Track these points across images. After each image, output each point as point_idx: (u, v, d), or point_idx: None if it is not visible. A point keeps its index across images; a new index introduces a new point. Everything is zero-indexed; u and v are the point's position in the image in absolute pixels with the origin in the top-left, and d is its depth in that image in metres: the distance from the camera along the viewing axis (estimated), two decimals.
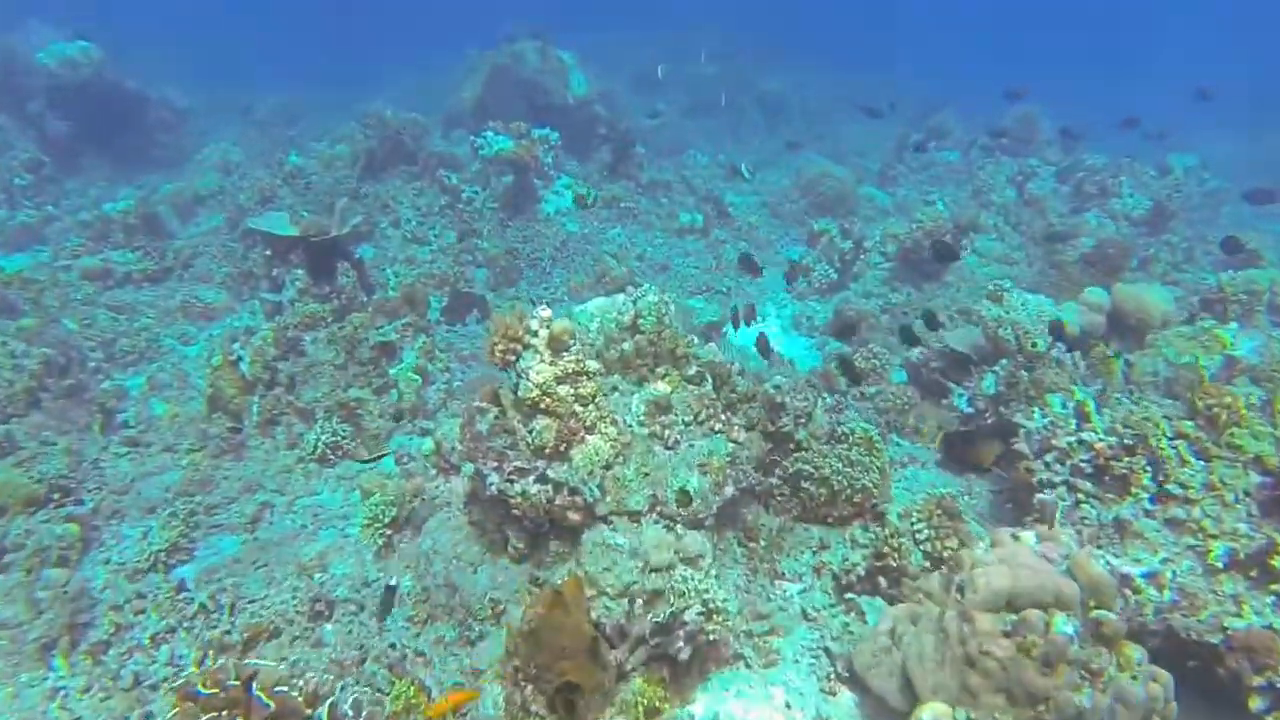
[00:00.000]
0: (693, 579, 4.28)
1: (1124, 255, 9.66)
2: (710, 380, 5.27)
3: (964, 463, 5.60)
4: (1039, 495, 4.82)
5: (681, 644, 4.15)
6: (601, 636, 4.13)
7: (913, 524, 5.17)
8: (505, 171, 12.00)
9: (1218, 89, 12.98)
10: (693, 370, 5.27)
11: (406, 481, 5.99)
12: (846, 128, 19.57)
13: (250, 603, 5.13)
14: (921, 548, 5.11)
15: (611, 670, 4.11)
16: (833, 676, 4.59)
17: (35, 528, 5.84)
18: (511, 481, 4.61)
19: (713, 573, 4.51)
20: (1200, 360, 5.83)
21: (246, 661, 3.39)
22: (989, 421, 6.37)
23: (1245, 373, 6.39)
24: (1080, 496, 4.71)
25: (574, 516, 4.59)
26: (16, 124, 13.77)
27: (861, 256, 10.44)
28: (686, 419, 5.05)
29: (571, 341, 4.59)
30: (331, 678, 3.36)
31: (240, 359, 7.45)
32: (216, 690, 3.22)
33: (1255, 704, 3.75)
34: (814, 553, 5.27)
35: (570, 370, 4.55)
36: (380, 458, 6.51)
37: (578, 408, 4.61)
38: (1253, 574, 4.25)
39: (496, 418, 4.80)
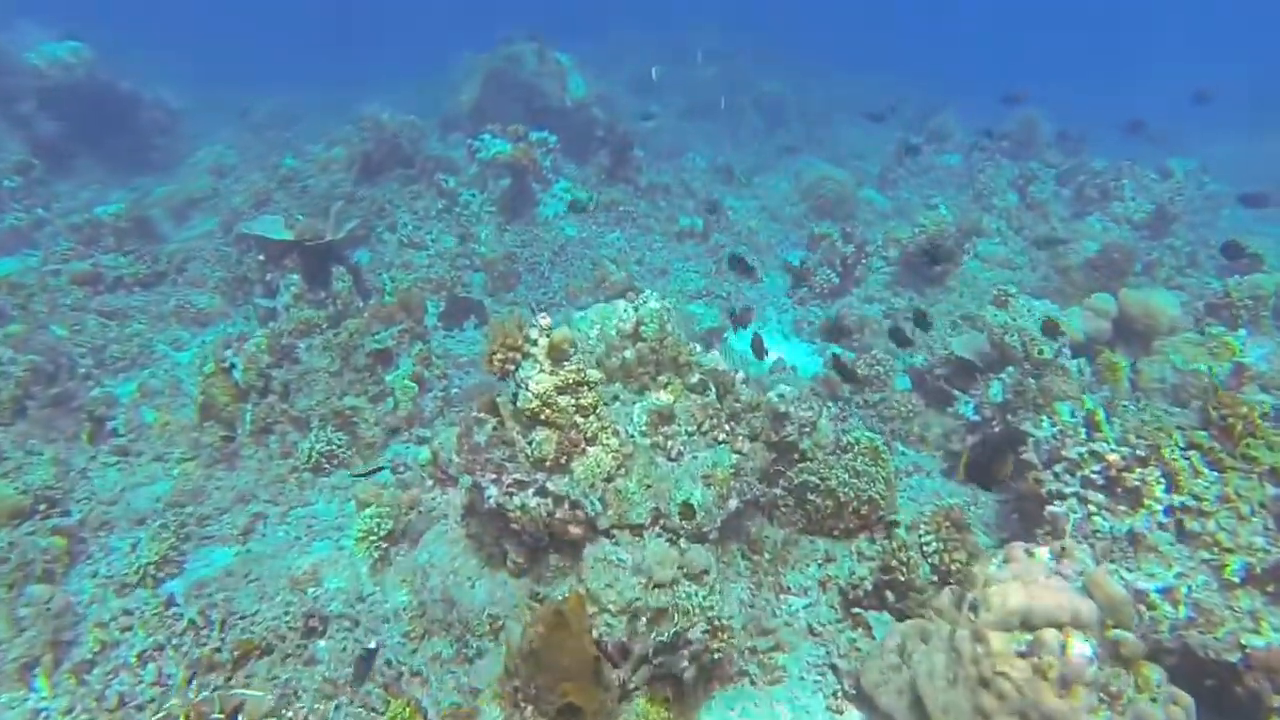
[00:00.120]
0: (697, 595, 4.17)
1: (1128, 260, 9.57)
2: (714, 389, 5.16)
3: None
4: (1050, 508, 4.71)
5: (686, 663, 4.03)
6: (604, 655, 4.02)
7: (920, 536, 5.07)
8: (503, 175, 11.89)
9: (1217, 90, 12.93)
10: (695, 379, 5.16)
11: (402, 493, 5.86)
12: (846, 131, 19.51)
13: (241, 618, 4.99)
14: (929, 560, 5.00)
15: (614, 691, 3.99)
16: (839, 694, 4.48)
17: (20, 540, 5.68)
18: (510, 494, 4.49)
19: (717, 588, 4.40)
20: (1212, 369, 5.72)
21: (234, 691, 3.24)
22: (996, 430, 6.27)
23: (1254, 380, 6.30)
24: (1092, 508, 4.60)
25: (575, 530, 4.47)
26: (6, 125, 13.60)
27: (863, 261, 10.33)
28: (690, 429, 4.94)
29: (572, 350, 4.47)
30: (322, 707, 3.20)
31: (233, 366, 7.30)
32: None
33: None
34: (819, 566, 5.16)
35: (571, 380, 4.43)
36: (376, 470, 6.37)
37: (579, 418, 4.49)
38: (1270, 589, 4.15)
39: (495, 429, 4.68)
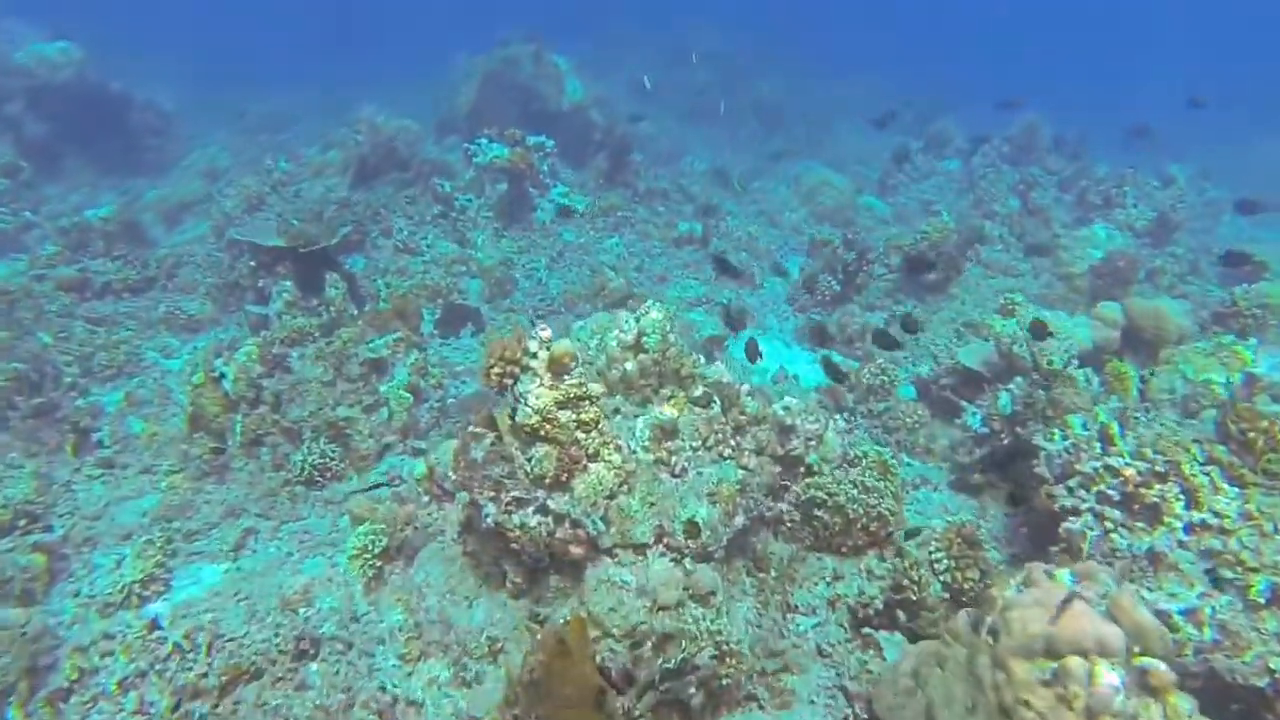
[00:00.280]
0: (704, 619, 4.01)
1: (1132, 268, 9.47)
2: (718, 402, 5.00)
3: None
4: (1066, 525, 4.58)
5: (694, 690, 3.88)
6: (607, 682, 3.85)
7: (931, 553, 4.92)
8: (500, 179, 11.73)
9: (1218, 90, 12.92)
10: (699, 391, 5.00)
11: (398, 507, 5.68)
12: (846, 135, 19.42)
13: (229, 641, 4.80)
14: (941, 579, 4.86)
15: (618, 719, 3.83)
16: (851, 718, 4.33)
17: None
18: (509, 513, 4.33)
19: (724, 610, 4.24)
20: (1227, 379, 5.60)
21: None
22: (1005, 443, 6.14)
23: (1266, 391, 6.18)
24: (1108, 525, 4.47)
25: (576, 550, 4.31)
26: None
27: (865, 268, 10.21)
28: (694, 444, 4.78)
29: (573, 364, 4.31)
30: None
31: (223, 376, 7.12)
32: None
33: None
34: (828, 584, 5.01)
35: (572, 394, 4.28)
36: (378, 486, 6.19)
37: (580, 434, 4.33)
38: None
39: (493, 444, 4.52)
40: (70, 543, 6.05)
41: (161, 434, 7.25)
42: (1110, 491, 4.55)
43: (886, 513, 5.03)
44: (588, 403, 4.33)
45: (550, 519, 4.30)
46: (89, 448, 7.21)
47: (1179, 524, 4.22)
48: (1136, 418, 5.32)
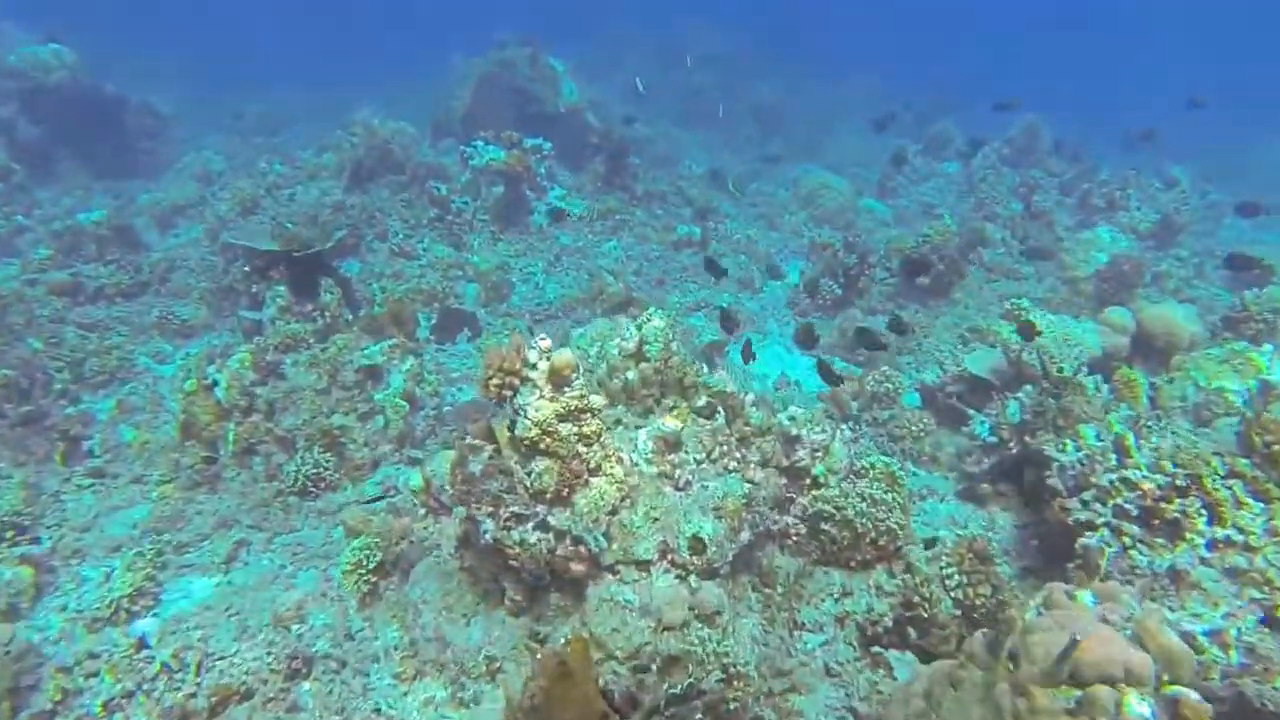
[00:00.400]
0: (711, 640, 3.87)
1: (1138, 271, 9.36)
2: (722, 413, 4.87)
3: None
4: (1083, 540, 4.44)
5: (700, 715, 3.74)
6: (611, 707, 3.71)
7: (942, 568, 4.79)
8: (496, 182, 11.60)
9: (1215, 93, 12.84)
10: (703, 401, 4.87)
11: (393, 520, 5.54)
12: (845, 137, 19.30)
13: (219, 659, 4.66)
14: (952, 595, 4.73)
15: None
16: None
17: None
18: (508, 529, 4.19)
19: (731, 630, 4.11)
20: (1243, 387, 5.48)
21: None
22: (1013, 452, 6.01)
23: None
24: (1126, 541, 4.34)
25: (577, 568, 4.17)
26: None
27: (867, 272, 10.09)
28: (698, 456, 4.65)
29: (574, 375, 4.17)
30: None
31: (215, 383, 6.97)
32: None
33: None
34: (835, 600, 4.87)
35: (573, 407, 4.14)
36: (378, 500, 6.04)
37: (581, 448, 4.19)
38: None
39: (491, 457, 4.38)
40: (58, 555, 5.90)
41: (153, 442, 7.10)
42: (1128, 506, 4.41)
43: (895, 526, 4.89)
44: (589, 415, 4.19)
45: (551, 535, 4.17)
46: (79, 456, 7.05)
47: (1201, 540, 4.09)
48: (1149, 427, 5.20)
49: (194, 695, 4.35)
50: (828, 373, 6.49)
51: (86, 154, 14.60)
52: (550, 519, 4.18)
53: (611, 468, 4.30)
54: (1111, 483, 4.57)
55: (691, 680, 3.68)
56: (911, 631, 4.62)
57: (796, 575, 4.94)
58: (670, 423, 4.60)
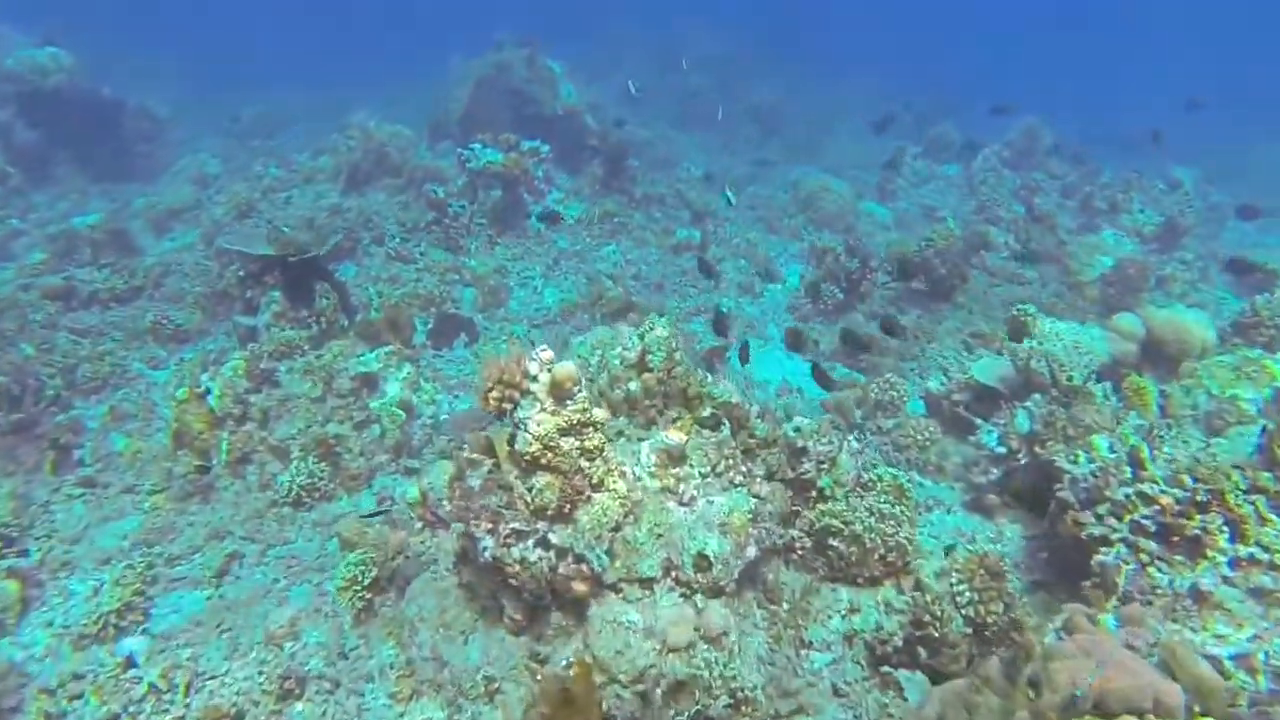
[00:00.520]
0: (717, 663, 3.75)
1: (1143, 275, 9.25)
2: (727, 424, 4.74)
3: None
4: (1099, 557, 4.32)
5: None
6: None
7: (953, 585, 4.66)
8: (494, 185, 11.47)
9: (1214, 94, 12.77)
10: (707, 412, 4.75)
11: (390, 533, 5.41)
12: (844, 139, 19.19)
13: (209, 679, 4.53)
14: (963, 612, 4.60)
15: None
16: None
17: None
18: (508, 546, 4.06)
19: (738, 651, 3.98)
20: (1257, 395, 5.36)
21: None
22: (1023, 463, 5.89)
23: None
24: (1144, 558, 4.21)
25: (579, 587, 4.04)
26: None
27: (869, 276, 9.97)
28: (703, 470, 4.52)
29: (576, 388, 4.04)
30: None
31: (209, 391, 6.84)
32: None
33: None
34: (843, 617, 4.74)
35: (575, 421, 4.01)
36: (378, 514, 5.90)
37: (584, 463, 4.07)
38: None
39: (490, 472, 4.25)
40: (46, 568, 5.77)
41: (145, 451, 6.97)
42: (1145, 521, 4.29)
43: (904, 541, 4.77)
44: (592, 429, 4.07)
45: (552, 553, 4.04)
46: (69, 465, 6.92)
47: (1223, 558, 3.97)
48: (1161, 436, 5.08)
49: (183, 718, 4.21)
50: (822, 376, 6.39)
51: (83, 157, 14.49)
52: (551, 536, 4.05)
53: (614, 483, 4.17)
54: (1128, 497, 4.45)
55: (699, 707, 3.55)
56: (922, 651, 4.49)
57: (803, 591, 4.81)
58: (674, 435, 4.47)
